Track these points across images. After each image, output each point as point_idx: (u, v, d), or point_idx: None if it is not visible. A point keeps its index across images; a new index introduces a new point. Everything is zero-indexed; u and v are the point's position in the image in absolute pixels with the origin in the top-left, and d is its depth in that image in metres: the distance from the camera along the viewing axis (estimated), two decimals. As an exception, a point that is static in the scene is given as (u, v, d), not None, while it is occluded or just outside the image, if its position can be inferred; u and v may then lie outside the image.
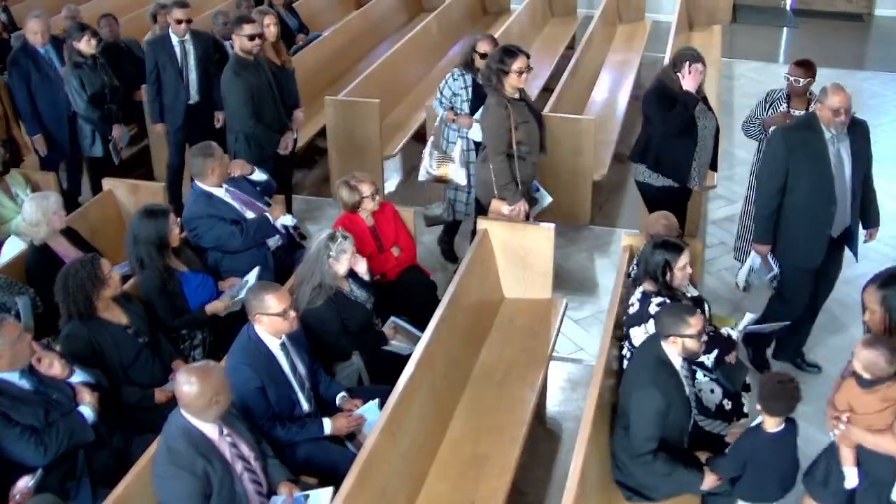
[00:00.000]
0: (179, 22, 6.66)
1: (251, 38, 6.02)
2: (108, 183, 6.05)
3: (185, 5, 6.71)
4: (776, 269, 5.12)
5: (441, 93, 6.24)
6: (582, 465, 3.55)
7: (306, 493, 3.72)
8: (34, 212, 4.89)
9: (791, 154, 4.85)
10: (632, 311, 4.43)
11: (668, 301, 4.30)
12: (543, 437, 5.02)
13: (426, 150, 6.27)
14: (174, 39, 6.69)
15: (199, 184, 5.19)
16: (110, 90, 6.58)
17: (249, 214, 5.24)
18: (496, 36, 9.02)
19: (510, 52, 5.30)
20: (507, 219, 5.37)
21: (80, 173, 6.98)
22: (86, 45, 6.38)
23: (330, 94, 7.68)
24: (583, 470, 3.54)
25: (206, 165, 5.12)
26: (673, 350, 3.91)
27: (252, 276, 4.83)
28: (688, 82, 5.25)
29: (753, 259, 5.19)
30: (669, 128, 5.37)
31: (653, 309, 4.27)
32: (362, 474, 3.54)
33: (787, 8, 13.22)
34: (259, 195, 5.41)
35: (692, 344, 3.88)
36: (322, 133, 7.64)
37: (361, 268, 4.77)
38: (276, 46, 6.51)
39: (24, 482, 3.55)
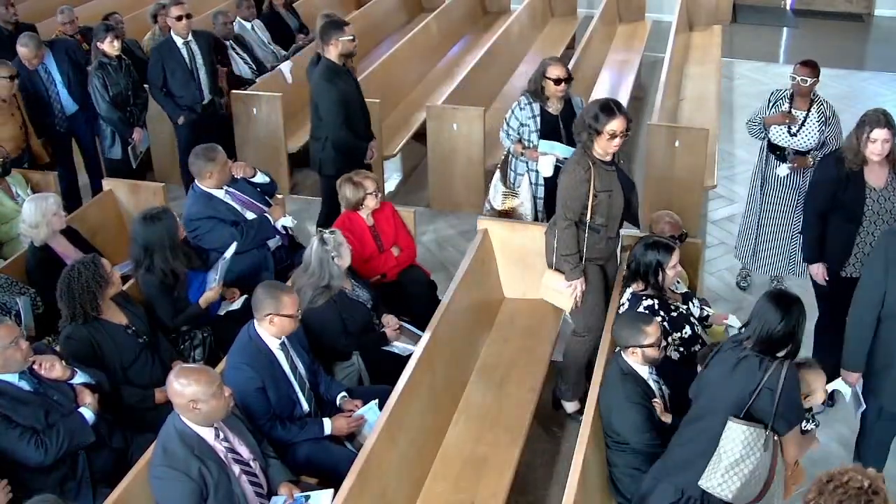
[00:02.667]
0: (179, 18, 6.62)
1: (353, 39, 5.94)
2: (108, 183, 6.05)
3: (181, 2, 6.67)
4: (864, 405, 4.17)
5: (507, 123, 5.72)
6: (582, 465, 3.55)
7: (307, 493, 3.71)
8: (33, 213, 4.89)
9: (891, 264, 3.89)
10: (621, 311, 4.43)
11: (656, 302, 4.31)
12: (543, 437, 5.02)
13: (492, 184, 5.90)
14: (178, 42, 6.67)
15: (198, 184, 5.19)
16: (133, 92, 6.61)
17: (249, 215, 5.24)
18: (496, 36, 9.13)
19: (608, 110, 4.37)
20: (557, 292, 4.65)
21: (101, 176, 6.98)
22: (109, 47, 6.41)
23: (330, 94, 7.67)
24: (583, 470, 3.54)
25: (206, 169, 5.12)
26: (634, 360, 3.93)
27: (229, 253, 4.82)
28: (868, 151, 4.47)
29: (841, 386, 4.13)
30: (806, 208, 4.88)
31: (641, 310, 4.27)
32: (362, 474, 3.54)
33: (787, 8, 13.22)
34: (259, 195, 5.41)
35: (652, 352, 3.91)
36: (322, 133, 7.64)
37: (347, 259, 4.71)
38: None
39: None
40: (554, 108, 5.63)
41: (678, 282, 4.57)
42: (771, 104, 5.66)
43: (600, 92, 8.71)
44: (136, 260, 4.74)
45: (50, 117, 6.65)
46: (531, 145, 5.64)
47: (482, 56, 8.55)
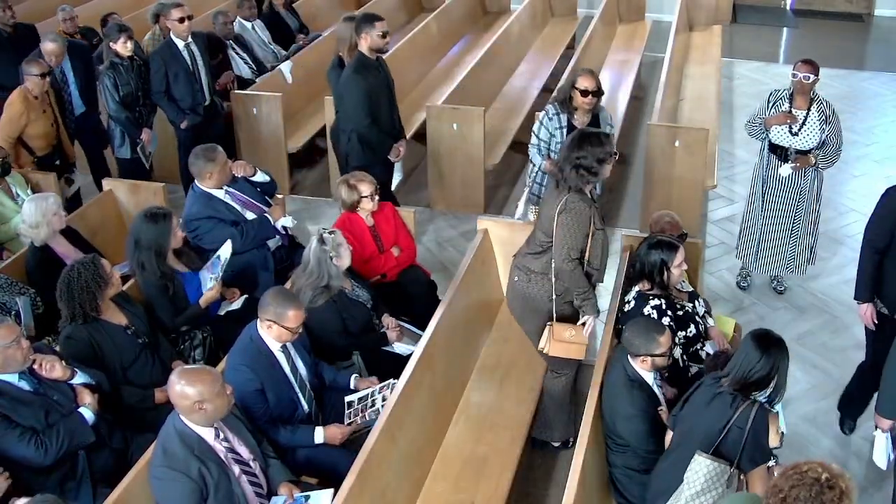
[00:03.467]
0: (181, 21, 6.61)
1: (383, 35, 5.90)
2: (108, 183, 6.05)
3: (181, 4, 6.68)
4: (893, 455, 3.96)
5: (537, 135, 5.55)
6: (582, 465, 3.55)
7: (306, 493, 3.71)
8: (34, 213, 4.88)
9: None
10: (626, 308, 4.43)
11: (663, 302, 4.30)
12: (543, 437, 5.01)
13: (522, 199, 5.67)
14: (180, 44, 6.65)
15: (198, 185, 5.19)
16: (143, 93, 6.61)
17: (249, 215, 5.24)
18: (496, 36, 9.13)
19: (605, 136, 4.35)
20: (572, 343, 4.39)
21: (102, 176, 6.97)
22: (121, 48, 6.42)
23: (329, 94, 7.66)
24: (583, 470, 3.54)
25: (206, 169, 5.12)
26: (642, 367, 3.93)
27: (224, 251, 4.81)
28: None
29: (882, 436, 3.93)
30: (864, 242, 4.46)
31: (647, 311, 4.28)
32: (362, 474, 3.54)
33: (787, 8, 13.22)
34: (259, 195, 5.41)
35: (661, 361, 3.92)
36: (322, 133, 7.65)
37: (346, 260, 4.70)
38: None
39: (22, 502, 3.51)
40: (580, 121, 5.49)
41: (683, 280, 4.57)
42: (770, 104, 5.66)
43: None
44: (128, 254, 4.76)
45: (65, 117, 6.65)
46: (554, 156, 5.48)
47: (482, 56, 8.54)
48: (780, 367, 3.51)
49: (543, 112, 5.60)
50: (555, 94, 5.60)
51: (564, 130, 5.47)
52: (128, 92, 6.48)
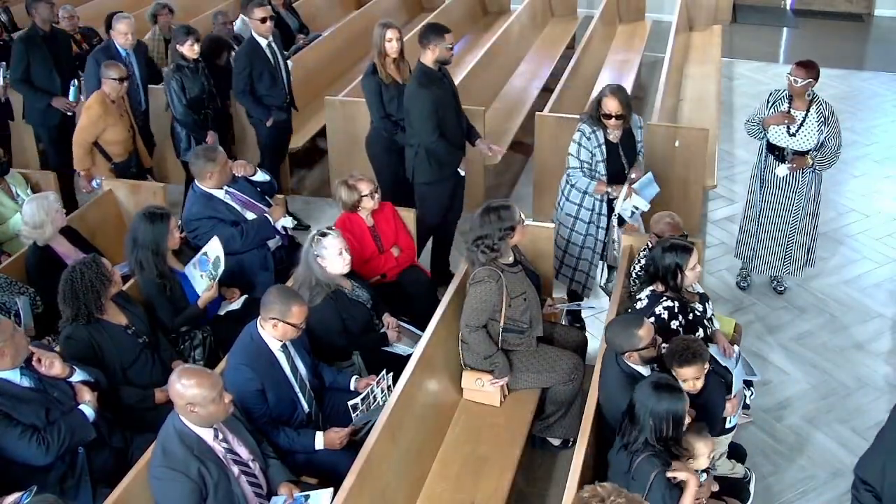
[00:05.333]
0: (263, 20, 6.52)
1: (451, 47, 5.70)
2: (108, 183, 6.05)
3: (264, 4, 6.60)
4: None
5: (577, 157, 5.33)
6: (582, 465, 3.55)
7: (306, 493, 3.71)
8: (37, 212, 4.87)
9: None
10: (639, 306, 4.42)
11: (676, 305, 4.29)
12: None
13: (613, 237, 5.42)
14: (262, 43, 6.58)
15: (199, 185, 5.20)
16: (208, 95, 6.57)
17: (249, 215, 5.24)
18: (496, 36, 9.13)
19: (505, 207, 4.52)
20: (483, 393, 4.61)
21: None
22: (188, 50, 6.35)
23: (330, 94, 7.68)
24: (583, 470, 3.54)
25: (206, 169, 5.12)
26: (633, 362, 3.95)
27: (211, 248, 4.79)
28: None
29: None
30: None
31: (658, 311, 4.27)
32: (362, 474, 3.54)
33: (787, 8, 13.23)
34: (259, 195, 5.42)
35: (648, 353, 3.92)
36: (322, 133, 7.65)
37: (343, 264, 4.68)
38: (398, 64, 6.14)
39: (13, 498, 3.51)
40: (613, 135, 5.34)
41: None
42: (769, 104, 5.66)
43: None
44: (127, 253, 4.76)
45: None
46: (598, 175, 5.34)
47: (482, 56, 8.54)
48: (648, 408, 3.48)
49: (579, 132, 5.35)
50: (588, 109, 5.40)
51: (604, 148, 5.31)
52: (195, 94, 6.41)
